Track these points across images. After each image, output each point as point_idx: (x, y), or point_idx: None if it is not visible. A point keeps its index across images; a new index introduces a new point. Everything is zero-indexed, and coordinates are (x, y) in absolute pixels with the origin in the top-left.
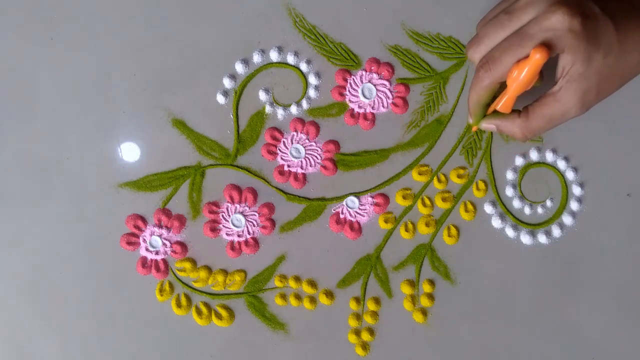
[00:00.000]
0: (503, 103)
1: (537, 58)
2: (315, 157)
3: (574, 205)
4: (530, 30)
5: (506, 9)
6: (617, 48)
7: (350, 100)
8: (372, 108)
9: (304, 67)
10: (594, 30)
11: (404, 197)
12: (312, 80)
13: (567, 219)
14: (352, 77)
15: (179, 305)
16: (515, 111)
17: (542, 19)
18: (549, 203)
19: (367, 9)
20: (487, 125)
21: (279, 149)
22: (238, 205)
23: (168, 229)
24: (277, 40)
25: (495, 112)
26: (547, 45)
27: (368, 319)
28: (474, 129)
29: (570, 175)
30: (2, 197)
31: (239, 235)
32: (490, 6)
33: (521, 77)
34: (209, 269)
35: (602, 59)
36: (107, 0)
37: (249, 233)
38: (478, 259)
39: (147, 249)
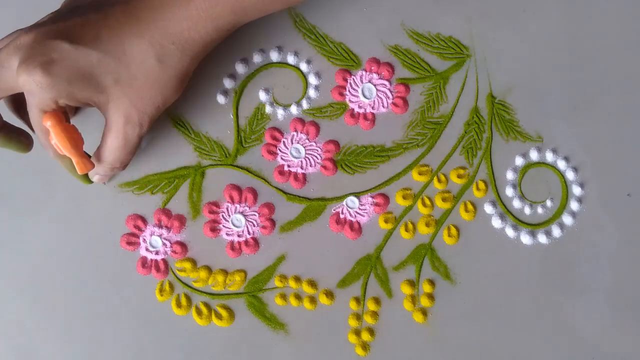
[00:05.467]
0: (77, 166)
1: (50, 125)
2: (315, 157)
3: (574, 205)
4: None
5: None
6: (120, 61)
7: (350, 100)
8: (372, 108)
9: (304, 67)
10: (67, 66)
11: (404, 197)
12: (312, 80)
13: (567, 219)
14: (352, 77)
15: (179, 305)
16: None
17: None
18: (549, 203)
19: (367, 9)
20: (96, 179)
21: (279, 149)
22: (238, 205)
23: (168, 229)
24: (277, 40)
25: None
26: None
27: (368, 319)
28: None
29: (570, 175)
30: (2, 197)
31: (239, 235)
32: (491, 6)
33: (58, 144)
34: (209, 269)
35: (112, 82)
36: None
37: (249, 233)
38: (478, 259)
39: (147, 249)
